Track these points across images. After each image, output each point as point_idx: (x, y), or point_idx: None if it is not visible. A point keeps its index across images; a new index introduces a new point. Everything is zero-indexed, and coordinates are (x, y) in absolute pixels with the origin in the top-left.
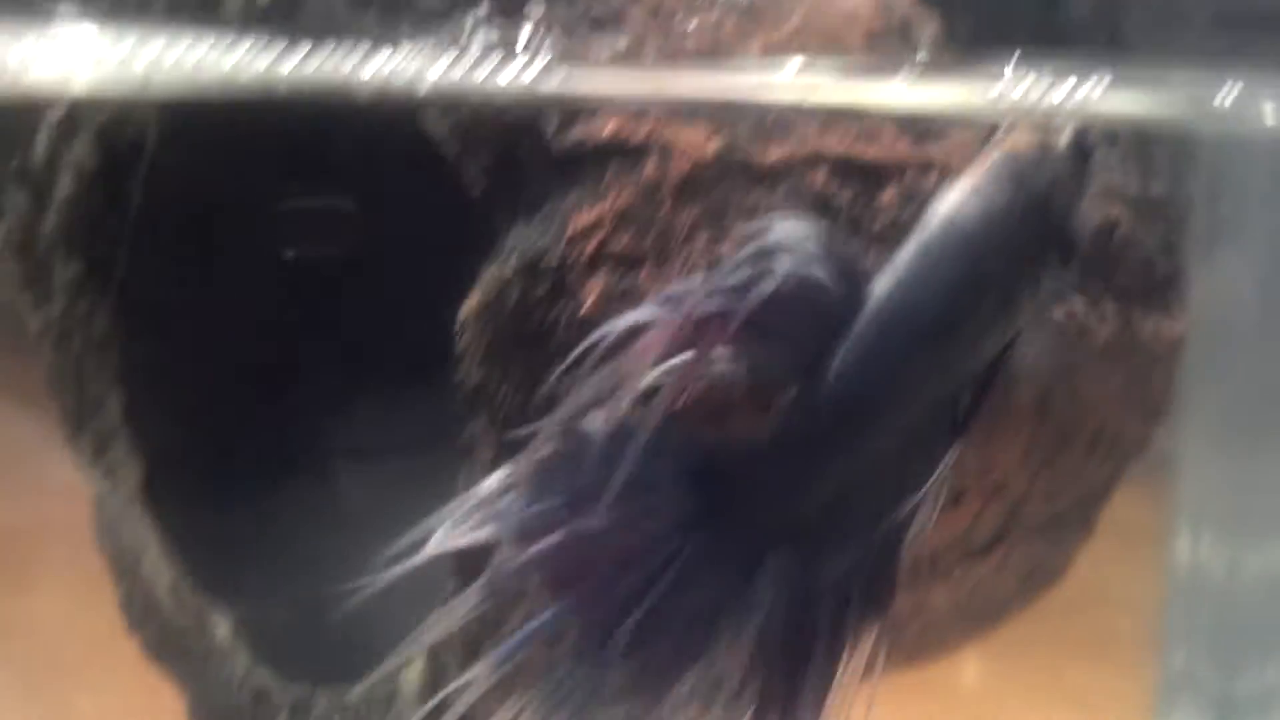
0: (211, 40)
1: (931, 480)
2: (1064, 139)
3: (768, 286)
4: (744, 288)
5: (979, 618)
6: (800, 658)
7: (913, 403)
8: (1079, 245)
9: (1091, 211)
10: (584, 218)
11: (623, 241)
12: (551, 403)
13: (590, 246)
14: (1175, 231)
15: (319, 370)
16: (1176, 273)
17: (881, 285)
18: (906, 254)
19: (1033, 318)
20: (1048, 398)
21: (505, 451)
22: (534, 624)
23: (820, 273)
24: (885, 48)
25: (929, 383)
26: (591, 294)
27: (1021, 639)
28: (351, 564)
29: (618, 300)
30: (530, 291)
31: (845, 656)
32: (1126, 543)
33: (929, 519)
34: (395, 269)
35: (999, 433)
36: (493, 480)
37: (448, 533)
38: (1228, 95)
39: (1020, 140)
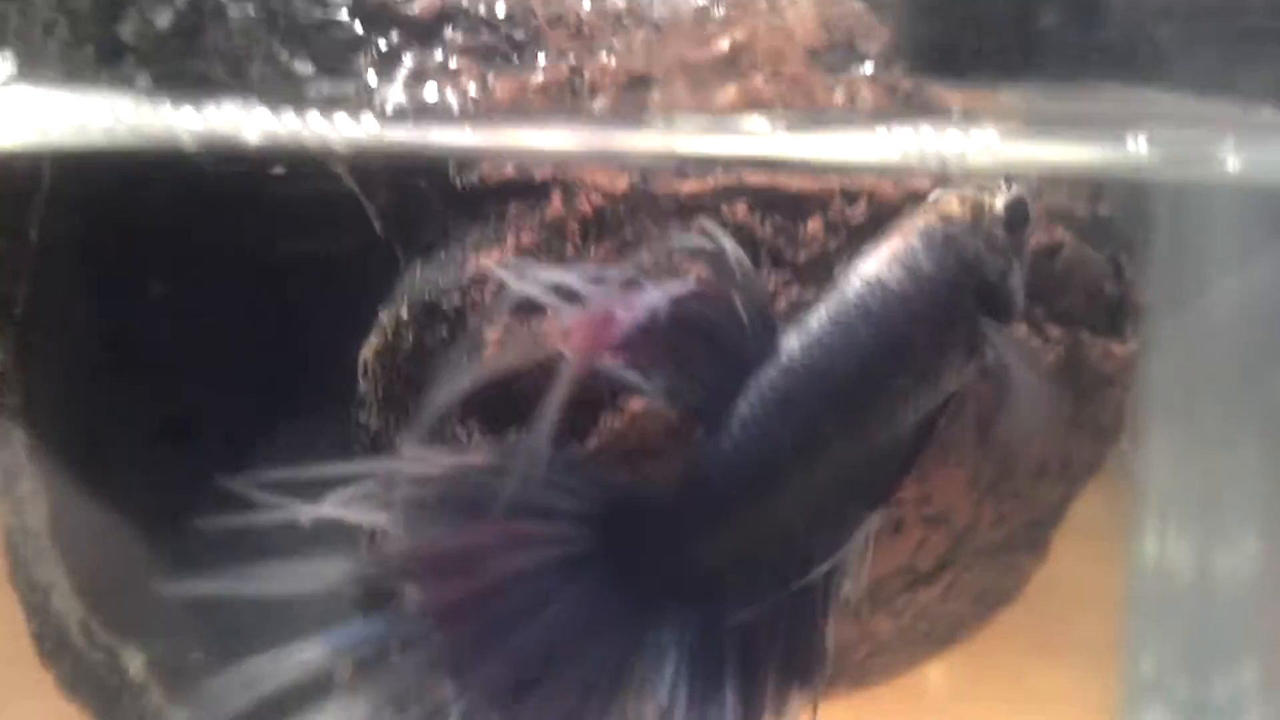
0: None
1: (850, 544)
2: (999, 200)
3: (684, 288)
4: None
5: (928, 642)
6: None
7: (822, 465)
8: (1016, 307)
9: (1035, 234)
10: (485, 258)
11: None
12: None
13: (491, 288)
14: (1125, 252)
15: (225, 407)
16: (1126, 293)
17: (794, 341)
18: (823, 313)
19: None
20: (990, 425)
21: None
22: (385, 617)
23: (736, 292)
24: (829, 64)
25: (840, 446)
26: (493, 338)
27: (984, 638)
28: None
29: (518, 347)
30: (428, 334)
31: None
32: (1091, 542)
33: (852, 585)
34: (299, 309)
35: (939, 463)
36: (399, 464)
37: (340, 501)
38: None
39: (952, 202)
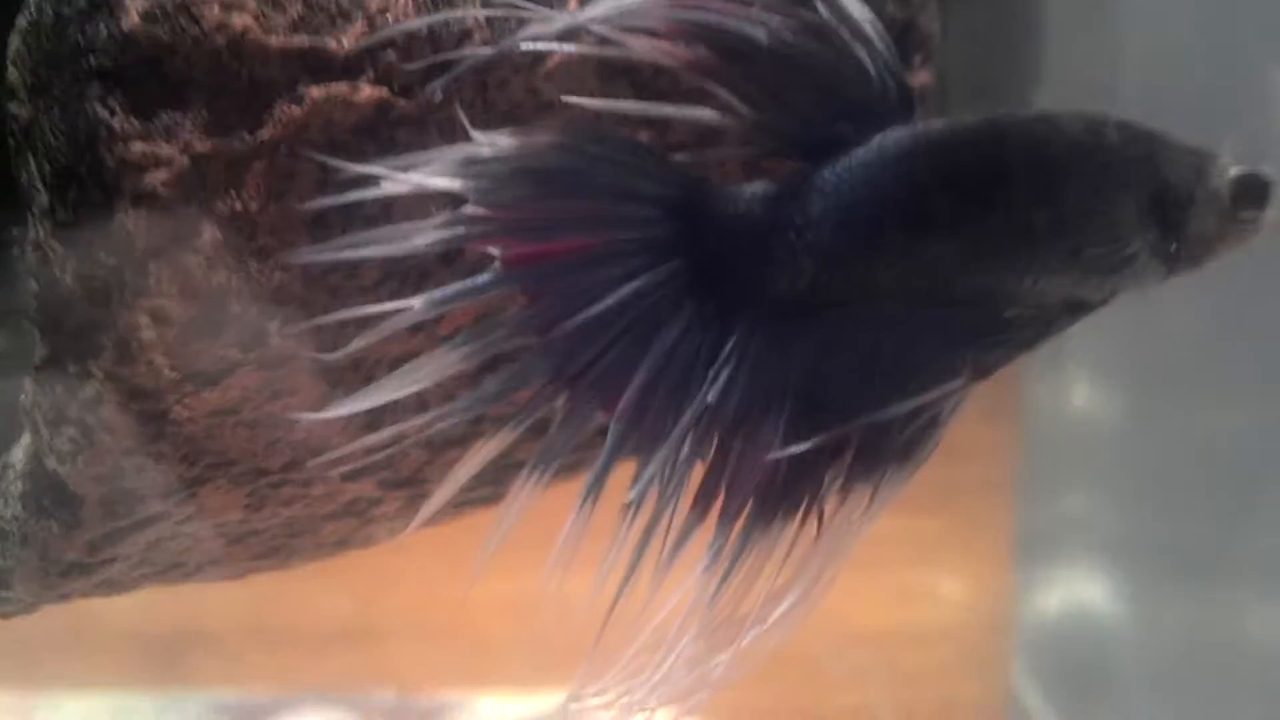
0: None
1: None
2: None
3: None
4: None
5: None
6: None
7: (924, 272)
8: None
9: None
10: None
11: None
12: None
13: None
14: None
15: None
16: (914, 18)
17: (938, 123)
18: (981, 120)
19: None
20: None
21: (56, 194)
22: (474, 281)
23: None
24: None
25: (950, 259)
26: (135, 7)
27: None
28: None
29: (167, 18)
30: (65, 6)
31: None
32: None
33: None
34: None
35: None
36: (478, 148)
37: (415, 169)
38: None
39: None
